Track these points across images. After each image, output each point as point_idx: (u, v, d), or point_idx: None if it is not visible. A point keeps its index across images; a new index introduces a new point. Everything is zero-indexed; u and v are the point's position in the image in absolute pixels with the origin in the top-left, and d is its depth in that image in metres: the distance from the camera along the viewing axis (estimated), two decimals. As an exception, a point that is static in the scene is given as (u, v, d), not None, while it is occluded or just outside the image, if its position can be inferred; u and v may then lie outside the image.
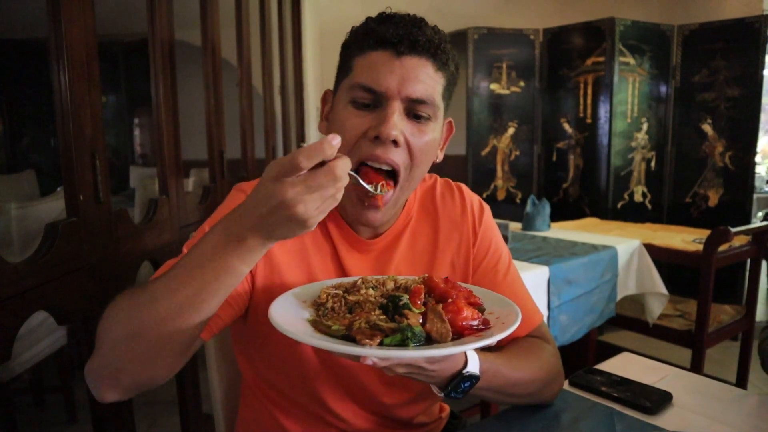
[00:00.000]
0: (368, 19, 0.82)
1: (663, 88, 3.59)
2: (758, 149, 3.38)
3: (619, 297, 2.29)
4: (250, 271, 0.83)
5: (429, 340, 0.65)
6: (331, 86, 0.90)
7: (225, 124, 2.19)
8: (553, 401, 0.92)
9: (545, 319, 1.95)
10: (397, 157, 0.79)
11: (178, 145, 1.78)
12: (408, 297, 0.68)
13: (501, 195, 3.85)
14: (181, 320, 0.64)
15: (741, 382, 2.42)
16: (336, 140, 0.59)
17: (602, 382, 0.98)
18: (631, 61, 3.46)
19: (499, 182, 3.85)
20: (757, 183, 3.57)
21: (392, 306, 0.68)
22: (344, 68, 0.83)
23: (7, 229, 1.96)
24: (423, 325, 0.65)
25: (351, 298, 0.71)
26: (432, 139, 0.82)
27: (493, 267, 0.96)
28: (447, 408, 1.08)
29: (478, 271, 0.95)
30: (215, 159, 2.15)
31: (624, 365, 1.08)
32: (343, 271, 0.88)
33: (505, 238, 2.20)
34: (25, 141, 5.06)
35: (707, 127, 3.45)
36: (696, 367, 2.26)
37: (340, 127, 0.79)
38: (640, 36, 3.47)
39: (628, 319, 2.51)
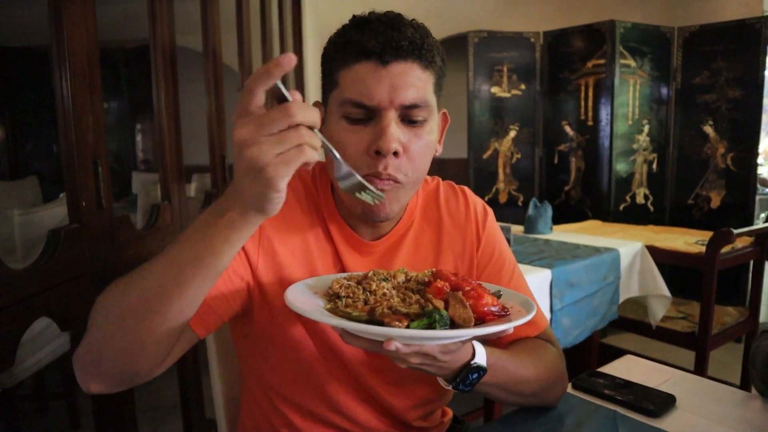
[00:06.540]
0: (344, 27, 0.79)
1: (664, 90, 3.59)
2: (760, 150, 3.37)
3: (621, 299, 2.28)
4: (251, 268, 0.82)
5: (452, 326, 0.65)
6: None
7: (226, 129, 2.19)
8: (556, 404, 0.92)
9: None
10: (399, 167, 0.78)
11: (180, 151, 1.78)
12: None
13: (503, 198, 3.85)
14: (165, 304, 0.63)
15: (745, 384, 2.41)
16: (286, 59, 0.54)
17: (605, 384, 0.98)
18: (632, 63, 3.46)
19: (501, 185, 3.85)
20: (759, 184, 3.56)
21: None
22: (329, 81, 0.80)
23: (10, 236, 1.97)
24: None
25: (365, 287, 0.72)
26: (430, 139, 0.81)
27: (497, 272, 0.95)
28: (450, 412, 1.08)
29: (482, 277, 0.95)
30: (217, 164, 2.15)
31: (627, 368, 1.07)
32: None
33: (507, 241, 2.20)
34: (27, 147, 5.08)
35: (709, 129, 3.45)
36: (699, 369, 2.25)
37: (338, 145, 0.77)
38: (640, 38, 3.47)
39: (630, 321, 2.50)
